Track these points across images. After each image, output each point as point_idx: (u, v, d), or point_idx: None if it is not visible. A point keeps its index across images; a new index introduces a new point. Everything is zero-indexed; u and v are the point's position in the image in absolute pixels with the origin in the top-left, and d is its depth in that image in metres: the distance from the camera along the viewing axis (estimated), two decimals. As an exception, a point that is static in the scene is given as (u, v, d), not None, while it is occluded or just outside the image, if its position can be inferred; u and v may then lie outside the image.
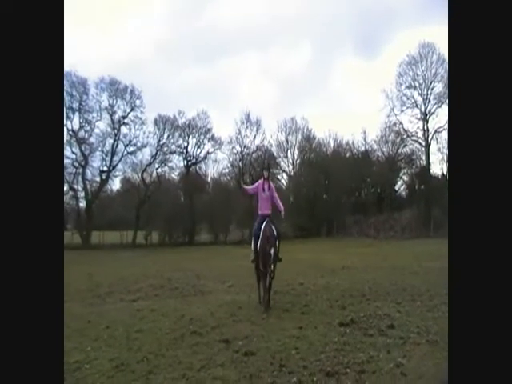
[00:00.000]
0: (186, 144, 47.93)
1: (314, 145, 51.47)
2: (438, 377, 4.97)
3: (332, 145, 52.03)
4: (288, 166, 51.99)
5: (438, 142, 45.92)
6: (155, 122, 46.79)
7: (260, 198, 9.78)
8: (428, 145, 45.81)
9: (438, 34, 74.83)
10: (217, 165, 50.71)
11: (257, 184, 9.98)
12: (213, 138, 48.60)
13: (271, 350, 6.17)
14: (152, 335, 7.23)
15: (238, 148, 49.52)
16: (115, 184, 53.03)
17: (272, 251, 8.65)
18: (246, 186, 10.65)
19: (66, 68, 35.34)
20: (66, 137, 40.31)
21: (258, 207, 9.90)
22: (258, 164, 47.24)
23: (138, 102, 45.31)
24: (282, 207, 9.87)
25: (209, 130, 48.39)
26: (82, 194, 44.29)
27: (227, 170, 51.24)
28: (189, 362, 5.80)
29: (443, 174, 45.89)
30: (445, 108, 45.20)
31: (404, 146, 48.60)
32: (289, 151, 51.44)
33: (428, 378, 5.00)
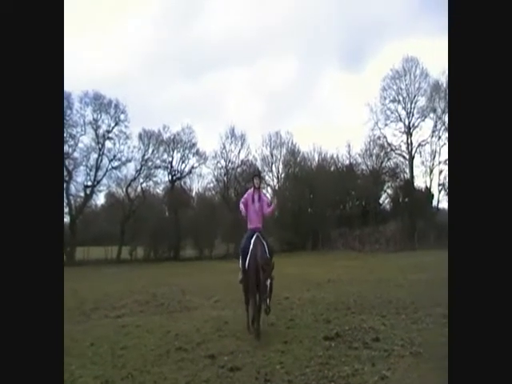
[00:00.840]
0: (170, 159, 48.14)
1: (298, 159, 51.68)
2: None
3: (316, 159, 52.18)
4: (273, 181, 52.06)
5: (421, 156, 46.80)
6: (140, 136, 46.94)
7: (249, 210, 8.67)
8: (412, 158, 46.37)
9: (421, 48, 76.48)
10: (201, 179, 50.82)
11: (245, 195, 8.86)
12: (197, 152, 48.85)
13: (256, 365, 6.17)
14: (137, 351, 7.20)
15: (223, 163, 49.74)
16: (99, 199, 52.91)
17: (268, 282, 7.56)
18: (241, 207, 8.81)
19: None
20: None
21: (247, 220, 8.81)
22: (243, 178, 47.46)
23: (122, 117, 45.41)
24: (269, 210, 8.71)
25: (193, 145, 48.66)
26: (66, 210, 43.90)
27: (212, 185, 51.42)
28: (174, 378, 5.78)
29: (427, 186, 46.56)
30: (428, 121, 46.18)
31: (388, 159, 49.09)
32: (273, 165, 51.50)
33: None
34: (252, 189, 8.87)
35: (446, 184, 43.75)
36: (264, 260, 7.85)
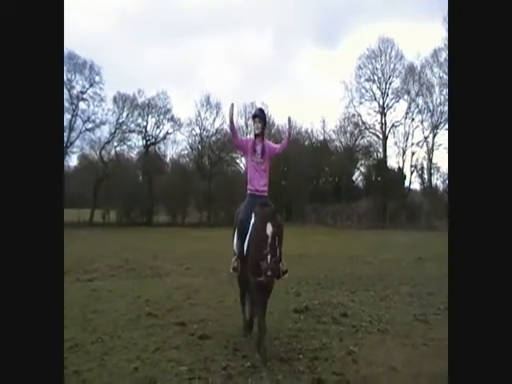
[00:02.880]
0: (145, 123, 47.67)
1: (273, 131, 51.33)
2: (387, 363, 5.14)
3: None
4: (247, 151, 51.74)
5: (394, 136, 47.52)
6: (114, 99, 46.26)
7: (250, 166, 6.08)
8: (385, 138, 46.91)
9: (397, 30, 76.49)
10: (176, 146, 50.82)
11: (246, 140, 6.31)
12: (172, 118, 48.44)
13: (226, 334, 6.26)
14: (107, 316, 7.21)
15: (198, 130, 49.34)
16: (72, 161, 52.03)
17: (269, 230, 5.12)
18: (234, 128, 6.04)
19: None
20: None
21: (246, 180, 6.23)
22: (217, 147, 47.36)
23: (97, 79, 44.57)
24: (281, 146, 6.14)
25: (168, 111, 48.24)
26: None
27: (186, 152, 51.19)
28: (144, 343, 5.82)
29: (399, 167, 47.10)
30: (402, 103, 47.19)
31: (362, 137, 49.74)
32: (248, 136, 50.93)
33: (377, 365, 5.16)
34: (253, 137, 6.18)
35: (418, 166, 44.76)
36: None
